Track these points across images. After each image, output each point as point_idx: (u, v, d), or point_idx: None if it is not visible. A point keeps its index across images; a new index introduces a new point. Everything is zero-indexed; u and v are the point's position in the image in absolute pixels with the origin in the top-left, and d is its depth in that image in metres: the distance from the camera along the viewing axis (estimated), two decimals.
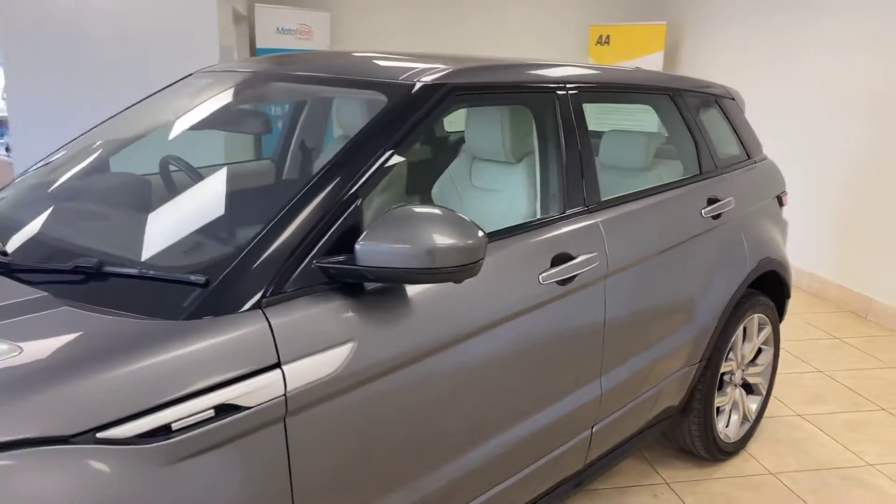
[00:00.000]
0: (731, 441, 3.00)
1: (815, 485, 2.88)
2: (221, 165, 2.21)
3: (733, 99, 3.04)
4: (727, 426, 2.96)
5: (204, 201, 1.81)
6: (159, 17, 4.43)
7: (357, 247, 1.46)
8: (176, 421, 1.25)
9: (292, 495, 1.41)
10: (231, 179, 2.07)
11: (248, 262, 1.44)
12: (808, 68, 5.44)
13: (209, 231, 1.63)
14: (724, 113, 2.95)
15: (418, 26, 7.51)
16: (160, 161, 2.27)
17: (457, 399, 1.73)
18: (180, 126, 2.16)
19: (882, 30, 4.76)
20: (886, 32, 4.73)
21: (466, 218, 1.51)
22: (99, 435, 1.17)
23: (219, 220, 1.70)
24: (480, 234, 1.50)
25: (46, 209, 1.84)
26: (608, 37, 7.60)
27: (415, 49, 2.74)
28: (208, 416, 1.29)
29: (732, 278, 2.69)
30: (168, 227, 1.70)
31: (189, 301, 1.38)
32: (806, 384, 3.82)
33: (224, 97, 2.14)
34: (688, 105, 2.70)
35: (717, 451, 2.92)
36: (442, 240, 1.45)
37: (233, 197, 1.85)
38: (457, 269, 1.47)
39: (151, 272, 1.45)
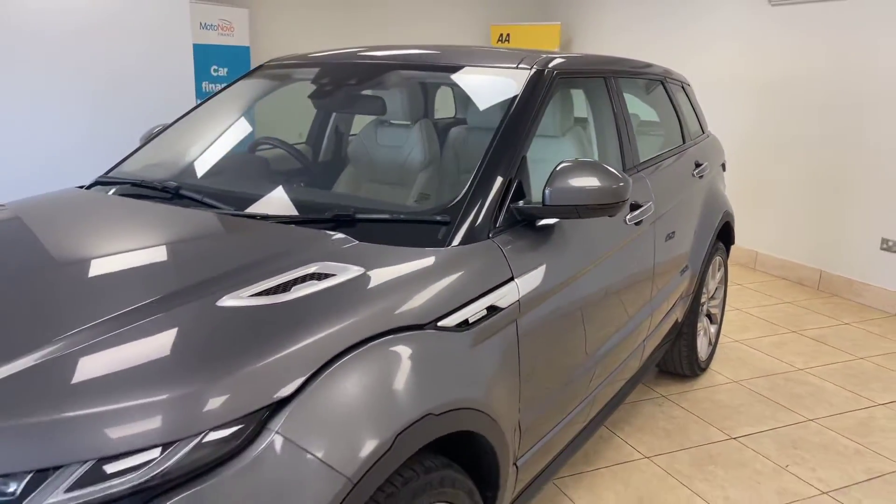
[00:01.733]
0: (703, 360, 3.74)
1: (768, 386, 3.69)
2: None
3: (689, 85, 3.78)
4: (700, 348, 3.69)
5: (428, 167, 2.21)
6: (130, 12, 4.50)
7: (546, 190, 1.93)
8: (471, 316, 1.68)
9: (519, 365, 1.86)
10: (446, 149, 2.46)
11: (472, 206, 1.87)
12: (688, 63, 6.43)
13: (440, 187, 2.04)
14: (688, 96, 3.68)
15: (328, 22, 7.81)
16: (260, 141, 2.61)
17: (597, 303, 2.26)
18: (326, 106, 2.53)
19: (751, 26, 5.80)
20: (754, 28, 5.77)
21: (615, 170, 2.02)
22: (438, 324, 1.58)
23: (443, 178, 2.11)
24: (626, 178, 2.02)
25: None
26: (508, 35, 8.32)
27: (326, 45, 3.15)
28: (484, 315, 1.72)
29: (711, 225, 3.41)
30: (413, 184, 2.09)
31: (441, 235, 1.80)
32: (732, 319, 4.70)
33: (347, 84, 2.51)
34: (671, 89, 3.39)
35: (696, 367, 3.65)
36: (604, 182, 1.95)
37: (448, 162, 2.26)
38: (614, 205, 1.98)
39: (414, 217, 1.86)
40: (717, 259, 3.71)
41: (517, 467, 1.95)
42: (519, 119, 2.12)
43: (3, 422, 1.12)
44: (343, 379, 1.35)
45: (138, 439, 1.13)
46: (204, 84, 6.90)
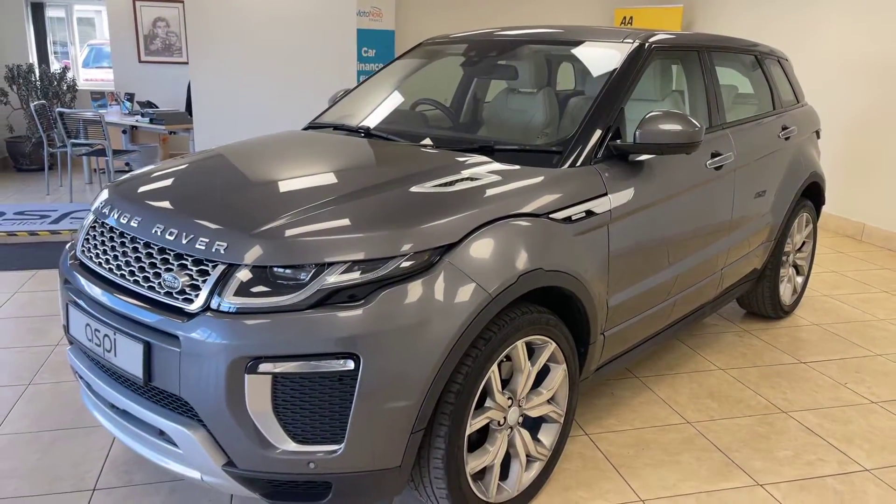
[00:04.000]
0: (787, 304, 4.24)
1: (847, 329, 4.14)
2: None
3: (787, 60, 4.26)
4: (783, 293, 4.19)
5: (545, 109, 2.98)
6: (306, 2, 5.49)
7: (637, 132, 2.61)
8: (573, 215, 2.41)
9: (608, 258, 2.56)
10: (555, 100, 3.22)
11: (579, 141, 2.59)
12: (808, 41, 6.69)
13: (556, 125, 2.78)
14: (783, 69, 4.16)
15: (463, 8, 8.60)
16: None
17: (676, 227, 2.92)
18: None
19: (879, 5, 6.03)
20: (883, 6, 6.00)
21: (692, 119, 2.65)
22: (550, 216, 2.33)
23: (559, 125, 2.86)
24: (700, 124, 2.65)
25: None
26: (631, 18, 8.79)
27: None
28: (582, 216, 2.44)
29: (795, 183, 3.92)
30: (532, 123, 2.87)
31: (556, 160, 2.54)
32: (826, 279, 5.10)
33: (488, 56, 3.29)
34: (766, 63, 3.91)
35: (780, 310, 4.16)
36: (682, 127, 2.60)
37: (559, 107, 3.02)
38: (689, 145, 2.63)
39: (535, 147, 2.64)
40: (805, 215, 4.19)
41: (604, 336, 2.66)
42: (620, 80, 2.80)
43: (304, 237, 1.97)
44: (488, 238, 2.12)
45: (378, 251, 1.95)
46: (357, 64, 7.90)
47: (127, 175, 2.69)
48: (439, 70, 3.68)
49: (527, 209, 2.28)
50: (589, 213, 2.47)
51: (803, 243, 4.32)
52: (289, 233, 1.99)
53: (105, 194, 2.47)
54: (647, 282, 2.83)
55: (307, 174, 2.57)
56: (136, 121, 7.20)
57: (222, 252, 1.97)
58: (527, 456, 2.41)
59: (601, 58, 3.00)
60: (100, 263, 2.27)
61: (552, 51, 3.31)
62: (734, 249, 3.46)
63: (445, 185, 2.30)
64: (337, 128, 3.20)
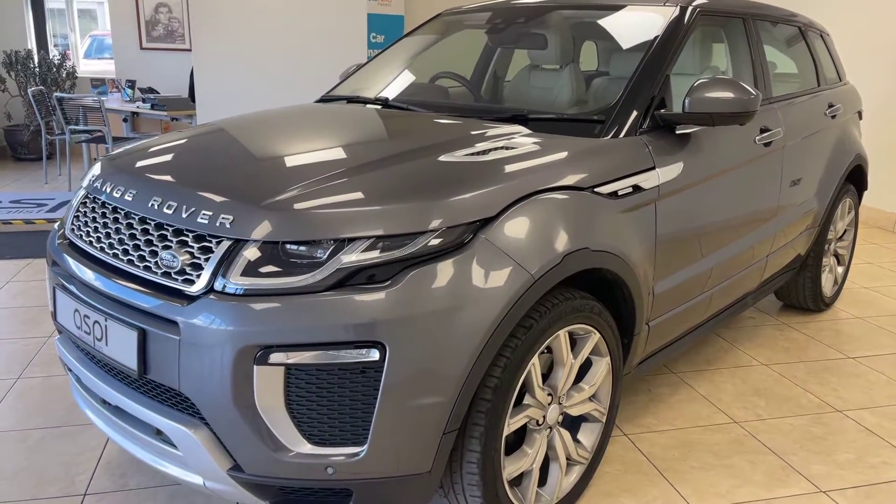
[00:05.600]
0: (828, 296, 3.97)
1: (893, 323, 3.87)
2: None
3: (829, 35, 3.98)
4: (824, 284, 3.92)
5: (581, 77, 2.71)
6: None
7: (686, 100, 2.35)
8: (620, 190, 2.15)
9: (655, 239, 2.30)
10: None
11: (623, 110, 2.33)
12: (844, 21, 6.40)
13: (595, 93, 2.53)
14: (826, 44, 3.89)
15: None
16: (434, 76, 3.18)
17: (725, 206, 2.67)
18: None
19: None
20: None
21: (747, 85, 2.39)
22: (595, 190, 2.07)
23: (600, 90, 2.61)
24: (756, 92, 2.39)
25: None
26: None
27: None
28: (629, 192, 2.18)
29: (841, 165, 3.65)
30: (569, 92, 2.62)
31: (597, 130, 2.28)
32: (864, 269, 4.83)
33: (521, 23, 3.03)
34: (810, 36, 3.64)
35: (820, 302, 3.89)
36: (736, 94, 2.33)
37: (597, 75, 2.76)
38: (743, 114, 2.37)
39: (575, 116, 2.38)
40: (848, 201, 3.92)
41: (649, 327, 2.41)
42: (664, 45, 2.54)
43: (319, 210, 1.72)
44: (528, 213, 1.86)
45: (405, 226, 1.69)
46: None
47: (123, 148, 2.44)
48: (460, 41, 3.42)
49: (570, 181, 2.02)
50: (636, 188, 2.21)
51: (844, 231, 4.06)
52: (303, 204, 1.73)
53: (98, 167, 2.22)
54: (693, 267, 2.57)
55: (322, 144, 2.31)
56: (137, 107, 6.95)
57: (228, 226, 1.71)
58: (567, 459, 2.16)
59: (641, 23, 2.74)
60: (90, 242, 2.02)
61: (585, 16, 3.04)
62: (780, 235, 3.19)
63: (478, 153, 2.04)
64: (351, 100, 2.94)
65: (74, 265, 2.00)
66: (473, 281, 1.72)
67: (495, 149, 2.07)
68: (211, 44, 5.12)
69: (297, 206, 1.73)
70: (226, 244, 1.71)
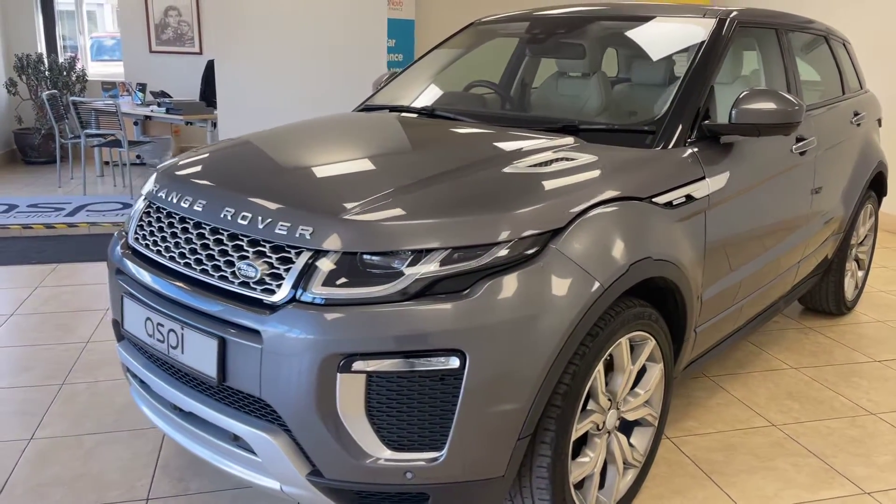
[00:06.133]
0: (850, 300, 4.04)
1: None
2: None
3: (850, 43, 4.06)
4: (847, 288, 3.99)
5: (629, 88, 2.77)
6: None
7: (733, 111, 2.40)
8: (674, 199, 2.20)
9: (705, 247, 2.35)
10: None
11: (673, 120, 2.38)
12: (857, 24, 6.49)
13: (643, 104, 2.58)
14: (848, 53, 3.97)
15: None
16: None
17: (766, 214, 2.73)
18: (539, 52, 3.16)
19: None
20: None
21: (791, 97, 2.45)
22: (653, 200, 2.12)
23: (644, 98, 2.66)
24: (800, 103, 2.45)
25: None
26: None
27: None
28: (683, 201, 2.24)
29: (866, 170, 3.72)
30: (616, 102, 2.66)
31: (648, 141, 2.33)
32: (879, 274, 4.91)
33: (560, 33, 3.08)
34: (832, 43, 3.71)
35: (843, 306, 3.97)
36: (781, 106, 2.39)
37: (648, 89, 2.80)
38: (788, 125, 2.43)
39: (626, 126, 2.43)
40: (869, 207, 3.99)
41: (696, 333, 2.46)
42: (708, 56, 2.59)
43: (399, 221, 1.76)
44: (595, 223, 1.91)
45: (481, 237, 1.74)
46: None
47: (177, 158, 2.48)
48: (496, 51, 3.47)
49: (630, 192, 2.07)
50: (689, 197, 2.27)
51: (865, 236, 4.13)
52: (382, 216, 1.78)
53: (158, 177, 2.26)
54: (736, 273, 2.63)
55: (383, 155, 2.35)
56: (152, 111, 6.98)
57: (308, 237, 1.76)
58: (623, 462, 2.21)
59: (683, 34, 2.80)
60: (159, 252, 2.06)
61: (624, 28, 3.10)
62: (811, 240, 3.26)
63: (540, 164, 2.09)
64: (393, 109, 2.98)
65: (145, 274, 2.04)
66: (547, 290, 1.77)
67: (556, 159, 2.12)
68: (231, 48, 5.15)
69: (376, 217, 1.77)
70: (306, 255, 1.75)
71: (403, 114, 2.91)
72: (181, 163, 2.35)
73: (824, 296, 3.88)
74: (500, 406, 1.74)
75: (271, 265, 1.79)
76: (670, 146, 2.33)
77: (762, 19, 3.07)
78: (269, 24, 5.15)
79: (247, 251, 1.84)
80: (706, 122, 2.45)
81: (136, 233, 2.22)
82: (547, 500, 1.93)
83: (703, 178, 2.34)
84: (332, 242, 1.74)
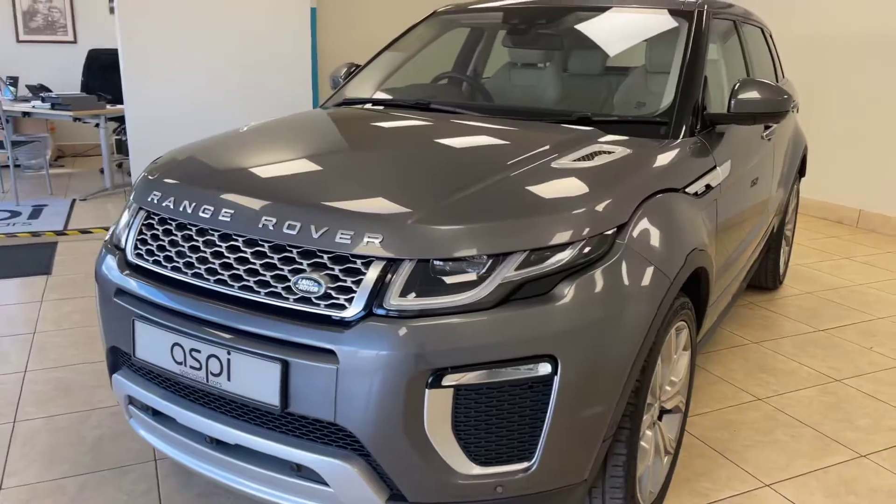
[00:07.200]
0: (781, 275, 4.34)
1: (838, 296, 4.30)
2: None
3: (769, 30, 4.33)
4: (780, 263, 4.28)
5: (642, 84, 2.76)
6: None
7: (732, 101, 2.48)
8: (699, 189, 2.24)
9: (717, 226, 2.42)
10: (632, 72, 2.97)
11: (681, 111, 2.42)
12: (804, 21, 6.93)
13: (649, 98, 2.59)
14: (772, 41, 4.23)
15: None
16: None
17: (748, 196, 2.84)
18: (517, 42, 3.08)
19: None
20: None
21: (781, 87, 2.56)
22: (685, 190, 2.15)
23: (650, 90, 2.67)
24: (788, 94, 2.56)
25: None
26: None
27: None
28: (703, 190, 2.28)
29: (798, 152, 4.02)
30: (637, 96, 2.66)
31: (663, 131, 2.36)
32: (794, 250, 5.30)
33: (532, 23, 3.05)
34: (765, 33, 3.95)
35: (777, 280, 4.25)
36: (773, 96, 2.50)
37: (645, 79, 2.80)
38: (779, 114, 2.54)
39: (640, 118, 2.44)
40: (796, 187, 4.29)
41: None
42: (697, 46, 2.66)
43: (475, 224, 1.66)
44: (650, 216, 1.90)
45: (559, 237, 1.68)
46: None
47: (166, 159, 2.22)
48: (462, 41, 3.39)
49: (670, 184, 2.08)
50: (708, 186, 2.32)
51: (791, 213, 4.44)
52: (457, 220, 1.67)
53: (154, 183, 2.01)
54: (732, 257, 2.73)
55: (417, 154, 2.19)
56: (34, 107, 6.28)
57: (377, 245, 1.62)
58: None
59: (668, 24, 2.85)
60: (176, 268, 1.84)
61: (604, 19, 3.11)
62: (770, 219, 3.46)
63: (584, 158, 2.05)
64: (378, 103, 2.83)
65: (166, 295, 1.81)
66: (626, 287, 1.74)
67: (597, 153, 2.09)
68: (141, 37, 4.72)
69: (451, 222, 1.66)
70: (379, 265, 1.62)
71: (400, 109, 2.76)
72: (179, 166, 2.11)
73: (765, 271, 4.14)
74: (589, 409, 1.69)
75: (335, 278, 1.64)
76: (681, 137, 2.37)
77: (725, 12, 3.18)
78: (183, 13, 4.76)
79: (299, 263, 1.68)
80: (705, 112, 2.51)
81: (136, 248, 1.97)
82: (620, 498, 1.91)
83: (715, 167, 2.40)
84: (406, 250, 1.62)
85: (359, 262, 1.64)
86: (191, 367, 1.76)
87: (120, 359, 2.04)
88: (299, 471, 1.71)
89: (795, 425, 2.78)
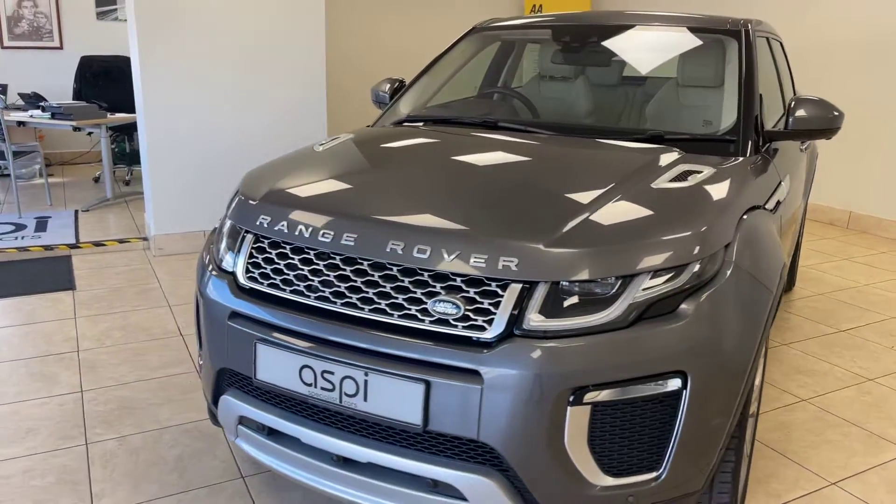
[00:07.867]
0: (794, 277, 4.53)
1: (848, 296, 4.50)
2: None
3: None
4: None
5: (703, 102, 2.86)
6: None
7: (789, 119, 2.60)
8: (773, 206, 2.36)
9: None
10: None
11: (747, 129, 2.54)
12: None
13: (715, 116, 2.70)
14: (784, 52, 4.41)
15: None
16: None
17: (796, 206, 2.97)
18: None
19: None
20: None
21: (833, 104, 2.70)
22: (765, 207, 2.26)
23: (707, 108, 2.78)
24: (841, 111, 2.70)
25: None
26: (540, 6, 8.92)
27: None
28: (776, 205, 2.41)
29: (812, 161, 4.18)
30: (702, 114, 2.76)
31: (732, 149, 2.47)
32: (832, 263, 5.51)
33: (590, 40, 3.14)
34: (780, 46, 4.11)
35: (792, 282, 4.43)
36: (827, 113, 2.63)
37: (704, 97, 2.90)
38: (832, 130, 2.67)
39: (709, 136, 2.56)
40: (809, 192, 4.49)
41: None
42: (750, 65, 2.78)
43: (605, 246, 1.73)
44: (748, 234, 2.01)
45: (681, 258, 1.76)
46: None
47: (258, 178, 2.24)
48: (507, 56, 3.47)
49: (756, 201, 2.20)
50: (778, 203, 2.44)
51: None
52: (586, 243, 1.75)
53: (259, 206, 2.04)
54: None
55: (522, 175, 2.21)
56: (31, 116, 6.15)
57: (514, 268, 1.69)
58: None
59: (716, 43, 2.97)
60: (298, 291, 1.88)
61: (657, 36, 3.22)
62: (799, 226, 3.62)
63: (678, 178, 2.15)
64: (440, 121, 2.89)
65: (293, 318, 1.85)
66: (741, 303, 1.84)
67: (689, 173, 2.19)
68: (158, 44, 4.67)
69: (582, 245, 1.73)
70: (516, 287, 1.69)
71: (469, 128, 2.80)
72: (281, 188, 2.13)
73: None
74: (713, 420, 1.79)
75: (471, 300, 1.70)
76: (748, 154, 2.48)
77: (764, 29, 3.32)
78: (200, 17, 4.73)
79: (433, 286, 1.74)
80: (765, 129, 2.64)
81: (247, 271, 2.00)
82: (726, 503, 2.01)
83: (780, 182, 2.53)
84: (542, 273, 1.69)
85: (493, 284, 1.70)
86: (322, 388, 1.80)
87: (228, 380, 2.06)
88: (435, 486, 1.77)
89: (843, 425, 2.92)
